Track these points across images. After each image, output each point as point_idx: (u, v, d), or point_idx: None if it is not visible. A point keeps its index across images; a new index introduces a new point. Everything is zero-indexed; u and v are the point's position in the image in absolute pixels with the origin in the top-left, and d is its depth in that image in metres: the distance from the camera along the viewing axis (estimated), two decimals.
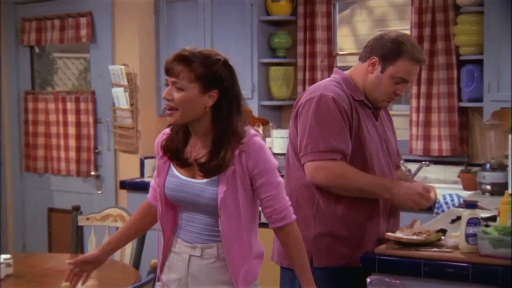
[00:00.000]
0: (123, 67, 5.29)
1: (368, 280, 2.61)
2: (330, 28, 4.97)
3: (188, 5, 5.26)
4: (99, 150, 5.61)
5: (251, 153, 2.53)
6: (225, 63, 2.54)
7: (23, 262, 3.73)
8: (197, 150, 2.59)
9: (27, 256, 3.94)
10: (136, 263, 3.74)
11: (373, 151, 2.91)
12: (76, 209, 4.10)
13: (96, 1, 5.52)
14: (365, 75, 2.95)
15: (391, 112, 3.26)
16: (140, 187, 5.19)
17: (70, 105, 5.71)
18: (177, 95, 2.50)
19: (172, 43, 5.33)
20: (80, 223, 4.07)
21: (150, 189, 2.81)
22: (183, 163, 2.59)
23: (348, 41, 10.98)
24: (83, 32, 5.57)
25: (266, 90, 5.10)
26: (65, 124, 5.75)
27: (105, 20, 5.48)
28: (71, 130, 5.70)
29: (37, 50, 6.17)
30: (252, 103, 5.04)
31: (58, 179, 5.89)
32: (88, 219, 4.04)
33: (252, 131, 2.59)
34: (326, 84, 2.93)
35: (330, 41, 4.96)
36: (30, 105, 5.93)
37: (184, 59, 2.50)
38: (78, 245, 4.08)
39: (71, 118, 5.70)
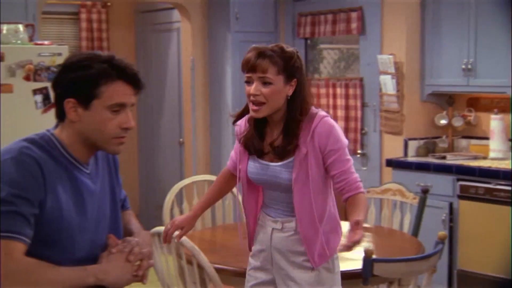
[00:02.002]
0: (391, 56, 5.48)
1: None
2: None
3: None
4: (366, 131, 5.86)
5: (323, 133, 2.58)
6: (298, 54, 2.64)
7: None
8: (273, 136, 2.68)
9: None
10: (415, 233, 3.92)
11: None
12: None
13: None
14: None
15: None
16: (404, 165, 5.37)
17: (339, 90, 6.00)
18: (265, 89, 2.56)
19: (437, 35, 5.43)
20: None
21: (230, 160, 2.95)
22: (261, 153, 2.69)
23: None
24: (353, 25, 5.81)
25: None
26: (335, 107, 6.05)
27: (374, 14, 5.69)
28: (340, 113, 5.99)
29: (308, 41, 6.52)
30: None
31: None
32: (368, 192, 4.27)
33: (322, 112, 2.64)
34: None
35: None
36: None
37: (266, 55, 2.57)
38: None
39: (340, 102, 5.99)
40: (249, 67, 2.58)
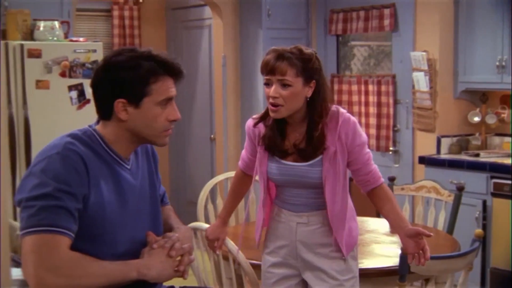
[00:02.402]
0: (424, 53, 5.44)
1: None
2: None
3: None
4: (398, 128, 5.82)
5: (349, 130, 2.63)
6: (316, 55, 2.64)
7: None
8: (295, 136, 2.68)
9: None
10: (450, 230, 3.89)
11: None
12: (392, 179, 4.33)
13: None
14: None
15: None
16: (436, 163, 5.33)
17: (371, 87, 5.97)
18: (284, 92, 2.56)
19: (470, 32, 5.37)
20: (394, 192, 4.29)
21: (241, 160, 2.95)
22: (284, 154, 2.70)
23: None
24: (386, 22, 5.77)
25: None
26: (367, 104, 6.02)
27: (408, 11, 5.64)
28: (372, 110, 5.96)
29: (340, 38, 6.49)
30: None
31: None
32: (402, 189, 4.26)
33: (342, 109, 2.68)
34: None
35: None
36: (336, 87, 6.28)
37: (284, 57, 2.56)
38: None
39: (372, 99, 5.96)
40: (268, 69, 2.60)
